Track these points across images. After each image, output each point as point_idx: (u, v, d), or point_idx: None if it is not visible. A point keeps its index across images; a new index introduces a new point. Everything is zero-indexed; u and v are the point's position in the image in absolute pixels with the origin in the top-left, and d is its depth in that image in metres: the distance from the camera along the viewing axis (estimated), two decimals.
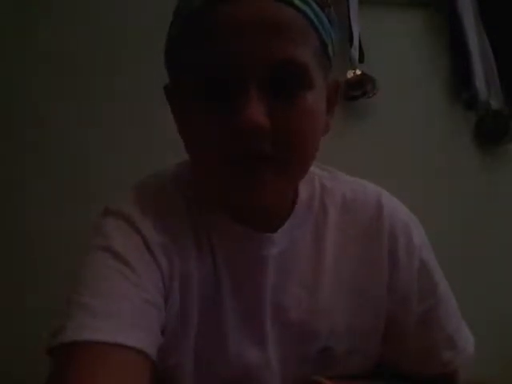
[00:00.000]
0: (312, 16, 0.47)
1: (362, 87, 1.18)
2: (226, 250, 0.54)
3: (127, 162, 1.13)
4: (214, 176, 0.49)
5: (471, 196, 1.22)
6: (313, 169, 0.57)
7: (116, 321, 0.44)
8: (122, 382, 0.41)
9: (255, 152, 0.45)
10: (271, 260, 0.54)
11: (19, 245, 1.09)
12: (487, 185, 1.23)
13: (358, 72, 1.18)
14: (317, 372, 0.54)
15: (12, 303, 1.06)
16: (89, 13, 1.18)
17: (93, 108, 1.15)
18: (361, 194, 0.59)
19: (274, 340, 0.54)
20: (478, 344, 1.15)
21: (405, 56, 1.26)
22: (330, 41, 0.50)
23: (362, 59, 1.19)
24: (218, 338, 0.53)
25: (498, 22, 1.25)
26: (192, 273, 0.52)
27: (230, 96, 0.45)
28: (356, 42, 1.18)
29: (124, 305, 0.45)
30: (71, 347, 0.42)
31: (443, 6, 1.26)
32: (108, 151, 1.14)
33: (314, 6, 0.47)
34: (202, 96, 0.47)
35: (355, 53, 1.17)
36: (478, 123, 1.24)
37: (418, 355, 0.57)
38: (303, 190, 0.57)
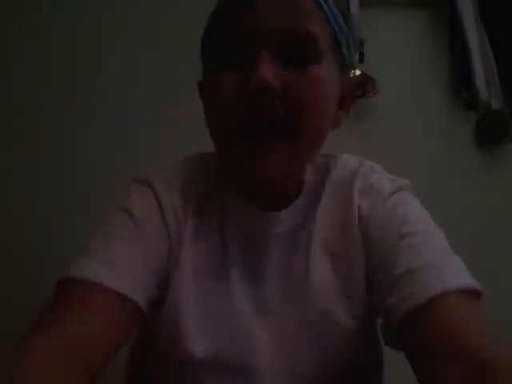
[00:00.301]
0: (328, 7, 0.53)
1: (362, 87, 1.18)
2: (235, 223, 0.59)
3: (127, 162, 1.13)
4: (226, 156, 0.55)
5: (471, 196, 1.22)
6: (319, 157, 0.62)
7: (111, 268, 0.50)
8: (87, 315, 0.48)
9: (265, 112, 0.48)
10: (277, 237, 0.58)
11: (19, 244, 1.09)
12: (487, 185, 1.23)
13: (358, 72, 1.18)
14: (315, 340, 0.56)
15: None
16: (88, 13, 1.18)
17: (93, 108, 1.15)
18: (349, 174, 0.63)
19: (276, 302, 0.58)
20: None
21: (405, 56, 1.26)
22: (344, 33, 0.55)
23: (361, 59, 1.19)
24: (223, 292, 0.57)
25: (498, 21, 1.25)
26: (200, 238, 0.58)
27: (247, 63, 0.49)
28: (356, 42, 1.18)
29: (130, 266, 0.52)
30: (64, 282, 0.51)
31: (443, 6, 1.26)
32: (108, 151, 1.14)
33: (332, 3, 0.53)
34: (224, 63, 0.51)
35: (355, 53, 1.18)
36: (478, 123, 1.24)
37: (401, 284, 0.51)
38: (310, 173, 0.61)
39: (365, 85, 1.18)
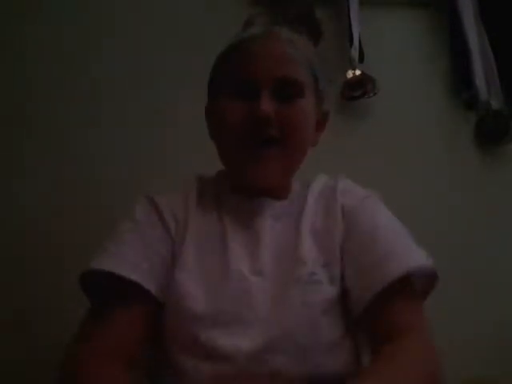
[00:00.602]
0: (310, 57, 0.75)
1: (362, 87, 1.18)
2: (232, 206, 0.76)
3: (127, 162, 1.14)
4: (232, 159, 0.74)
5: (471, 196, 1.22)
6: (304, 179, 0.81)
7: (121, 259, 0.68)
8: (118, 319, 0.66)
9: (265, 134, 0.69)
10: (270, 218, 0.74)
11: (19, 244, 1.09)
12: (487, 185, 1.23)
13: (358, 72, 1.18)
14: (302, 297, 0.67)
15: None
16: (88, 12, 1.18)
17: (92, 108, 1.15)
18: (328, 182, 0.81)
19: (269, 266, 0.70)
20: (478, 344, 1.15)
21: (405, 56, 1.26)
22: (321, 78, 0.78)
23: (361, 59, 1.19)
24: (222, 255, 0.71)
25: (498, 21, 1.25)
26: (201, 222, 0.74)
27: (251, 97, 0.70)
28: (356, 42, 1.17)
29: (130, 250, 0.69)
30: (85, 274, 0.69)
31: (443, 6, 1.26)
32: (108, 151, 1.14)
33: (312, 55, 0.76)
34: (233, 95, 0.71)
35: (355, 53, 1.17)
36: (478, 123, 1.24)
37: (367, 270, 0.68)
38: (295, 186, 0.80)
39: (365, 85, 1.18)
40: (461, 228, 1.20)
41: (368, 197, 0.77)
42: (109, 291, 0.68)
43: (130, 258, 0.68)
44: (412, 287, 0.70)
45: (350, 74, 1.18)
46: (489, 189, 1.22)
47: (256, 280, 0.69)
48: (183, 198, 0.76)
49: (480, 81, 1.22)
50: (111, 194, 1.11)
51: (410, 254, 0.70)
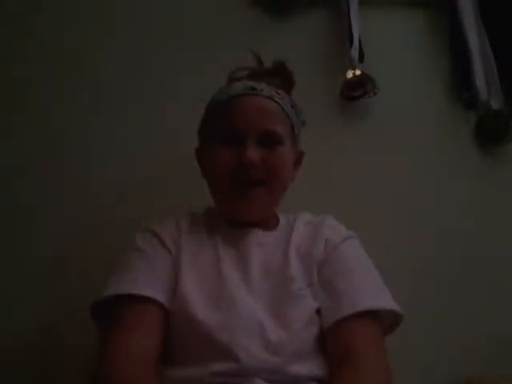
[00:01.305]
0: (286, 109, 0.88)
1: (362, 87, 1.18)
2: (225, 236, 0.86)
3: (127, 162, 1.14)
4: (224, 197, 0.86)
5: (471, 196, 1.22)
6: (289, 214, 0.93)
7: (132, 283, 0.77)
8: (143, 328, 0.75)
9: (251, 177, 0.82)
10: (259, 244, 0.85)
11: (20, 244, 1.09)
12: (487, 185, 1.23)
13: (358, 72, 1.18)
14: (296, 305, 0.77)
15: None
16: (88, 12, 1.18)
17: (92, 108, 1.15)
18: (316, 218, 0.92)
19: (258, 277, 0.80)
20: (479, 344, 1.15)
21: (405, 56, 1.26)
22: (296, 124, 0.91)
23: (361, 59, 1.19)
24: (218, 275, 0.80)
25: (498, 21, 1.25)
26: (198, 252, 0.83)
27: (239, 145, 0.82)
28: (356, 42, 1.17)
29: (139, 274, 0.78)
30: (104, 300, 0.77)
31: (443, 6, 1.26)
32: (108, 151, 1.14)
33: (288, 105, 0.89)
34: (222, 143, 0.84)
35: (355, 53, 1.17)
36: (478, 123, 1.24)
37: (339, 294, 0.78)
38: (283, 219, 0.92)
39: (365, 85, 1.18)
40: (461, 228, 1.19)
41: (350, 237, 0.87)
42: (119, 315, 0.76)
43: (142, 279, 0.78)
44: (377, 321, 0.79)
45: (349, 73, 1.18)
46: (489, 189, 1.22)
47: (247, 287, 0.78)
48: (176, 222, 0.87)
49: (480, 81, 1.22)
50: (111, 194, 1.12)
51: (379, 295, 0.80)
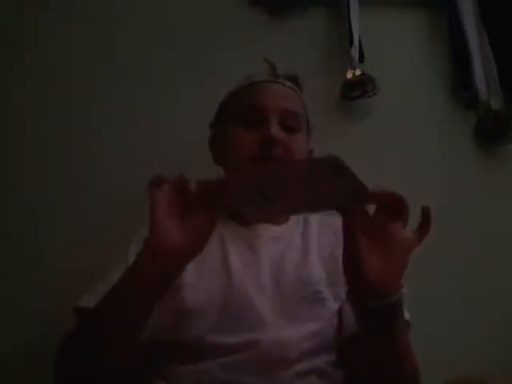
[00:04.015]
0: (303, 102, 0.90)
1: (362, 87, 1.18)
2: (230, 230, 0.83)
3: (126, 162, 1.14)
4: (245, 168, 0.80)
5: (471, 196, 1.22)
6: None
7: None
8: None
9: (272, 154, 0.79)
10: (269, 239, 0.82)
11: (20, 244, 1.09)
12: (487, 185, 1.23)
13: (358, 72, 1.18)
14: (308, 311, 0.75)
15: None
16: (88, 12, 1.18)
17: (93, 108, 1.15)
18: (327, 217, 0.84)
19: (268, 280, 0.77)
20: (479, 344, 1.15)
21: (405, 56, 1.26)
22: (309, 121, 0.91)
23: (361, 59, 1.19)
24: (226, 279, 0.76)
25: (498, 22, 1.25)
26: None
27: (261, 126, 0.82)
28: (356, 42, 1.18)
29: None
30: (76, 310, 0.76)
31: (443, 6, 1.26)
32: (108, 151, 1.14)
33: (303, 101, 0.90)
34: (244, 125, 0.84)
35: (355, 53, 1.17)
36: (478, 123, 1.24)
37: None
38: (293, 218, 0.89)
39: (365, 85, 1.18)
40: (461, 228, 1.20)
41: None
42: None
43: None
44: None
45: (349, 74, 1.18)
46: (489, 189, 1.22)
47: (258, 293, 0.75)
48: None
49: (480, 81, 1.22)
50: (111, 195, 1.11)
51: None
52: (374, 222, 0.60)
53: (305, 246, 0.83)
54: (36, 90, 1.14)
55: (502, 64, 1.24)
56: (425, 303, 1.12)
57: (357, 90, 1.18)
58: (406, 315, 0.78)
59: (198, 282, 0.75)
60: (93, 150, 1.13)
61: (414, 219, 1.13)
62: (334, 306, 0.77)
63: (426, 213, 0.67)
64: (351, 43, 1.18)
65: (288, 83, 0.90)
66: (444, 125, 1.24)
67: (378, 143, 1.21)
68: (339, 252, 0.75)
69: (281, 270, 0.78)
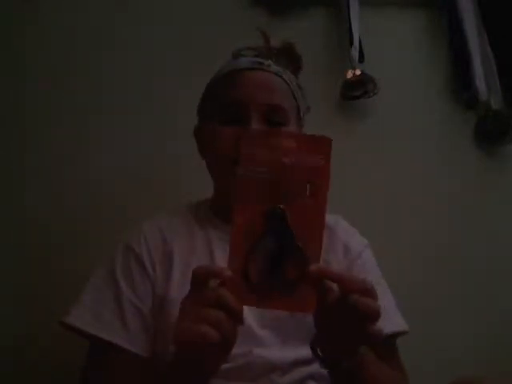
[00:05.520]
0: (293, 87, 0.82)
1: (362, 87, 1.18)
2: (218, 236, 0.79)
3: (127, 162, 1.14)
4: (223, 173, 0.77)
5: (471, 196, 1.22)
6: None
7: (94, 315, 0.73)
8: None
9: None
10: None
11: (20, 244, 1.09)
12: (487, 185, 1.23)
13: (358, 72, 1.18)
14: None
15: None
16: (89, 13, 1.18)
17: (92, 108, 1.15)
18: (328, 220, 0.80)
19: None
20: (478, 344, 1.15)
21: (405, 56, 1.26)
22: (302, 106, 0.84)
23: (361, 59, 1.19)
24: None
25: (498, 22, 1.25)
26: (190, 251, 0.78)
27: (241, 120, 0.76)
28: (356, 42, 1.17)
29: (105, 309, 0.73)
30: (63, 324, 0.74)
31: (443, 6, 1.26)
32: (108, 151, 1.14)
33: (295, 84, 0.83)
34: (224, 119, 0.78)
35: (355, 53, 1.17)
36: (478, 123, 1.24)
37: None
38: None
39: (365, 85, 1.18)
40: (461, 228, 1.20)
41: (368, 246, 0.86)
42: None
43: (105, 319, 0.72)
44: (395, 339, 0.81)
45: (349, 74, 1.18)
46: (489, 189, 1.22)
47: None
48: (159, 230, 0.80)
49: (480, 81, 1.22)
50: (110, 195, 1.11)
51: (397, 314, 0.80)
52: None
53: None
54: (36, 90, 1.14)
55: (501, 64, 1.24)
56: (425, 303, 1.12)
57: (357, 90, 1.18)
58: (402, 324, 0.80)
59: (183, 296, 0.72)
60: (93, 149, 1.13)
61: (414, 219, 1.12)
62: None
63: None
64: (351, 43, 1.17)
65: (274, 68, 0.81)
66: (444, 125, 1.24)
67: (378, 143, 1.21)
68: (336, 260, 0.79)
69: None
